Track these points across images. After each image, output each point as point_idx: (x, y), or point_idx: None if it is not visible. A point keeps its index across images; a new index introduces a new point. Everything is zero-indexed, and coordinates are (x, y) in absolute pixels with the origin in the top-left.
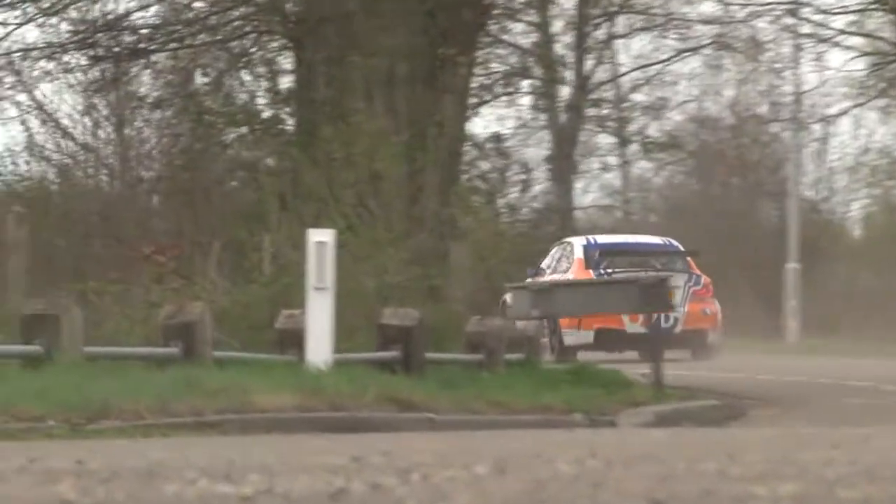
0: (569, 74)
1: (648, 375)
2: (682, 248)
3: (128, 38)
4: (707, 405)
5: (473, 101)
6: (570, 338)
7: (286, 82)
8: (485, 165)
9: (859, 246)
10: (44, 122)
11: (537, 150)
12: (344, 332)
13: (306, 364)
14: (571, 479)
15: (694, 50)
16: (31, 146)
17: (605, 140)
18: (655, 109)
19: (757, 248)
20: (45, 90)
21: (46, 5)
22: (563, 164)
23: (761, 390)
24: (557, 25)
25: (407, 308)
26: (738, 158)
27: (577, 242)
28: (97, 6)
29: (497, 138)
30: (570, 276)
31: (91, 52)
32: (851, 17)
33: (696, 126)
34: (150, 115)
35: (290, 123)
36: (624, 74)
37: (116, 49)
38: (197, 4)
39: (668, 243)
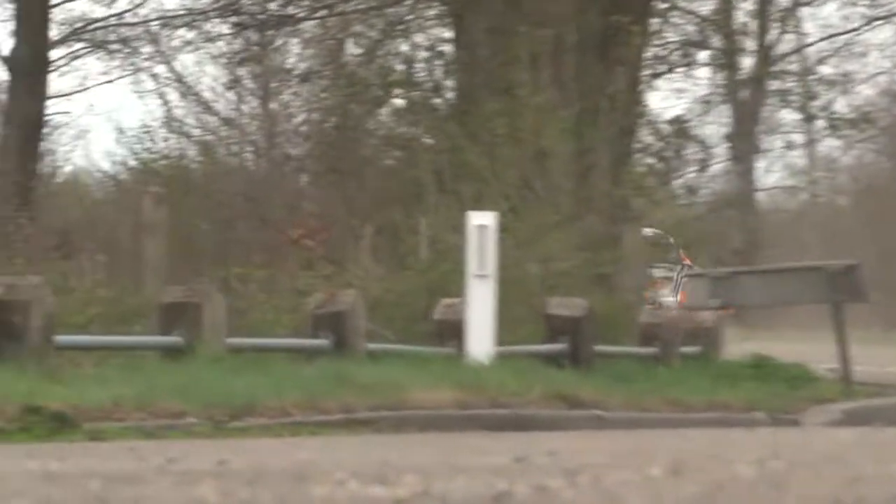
0: (750, 45)
1: (836, 370)
2: (672, 240)
3: (274, 5)
4: None
5: (647, 73)
6: None
7: (445, 53)
8: (659, 143)
9: None
10: (184, 96)
11: (716, 126)
12: (506, 322)
13: (466, 357)
14: (751, 482)
15: (886, 18)
16: (170, 121)
17: (790, 116)
18: (844, 83)
19: None
20: (185, 61)
21: None
22: (744, 141)
23: None
24: None
25: (575, 297)
26: None
27: None
28: None
29: (678, 120)
30: None
31: (235, 20)
32: None
33: (888, 100)
34: (298, 87)
35: (449, 97)
36: (810, 45)
37: (262, 16)
38: None
39: (658, 234)
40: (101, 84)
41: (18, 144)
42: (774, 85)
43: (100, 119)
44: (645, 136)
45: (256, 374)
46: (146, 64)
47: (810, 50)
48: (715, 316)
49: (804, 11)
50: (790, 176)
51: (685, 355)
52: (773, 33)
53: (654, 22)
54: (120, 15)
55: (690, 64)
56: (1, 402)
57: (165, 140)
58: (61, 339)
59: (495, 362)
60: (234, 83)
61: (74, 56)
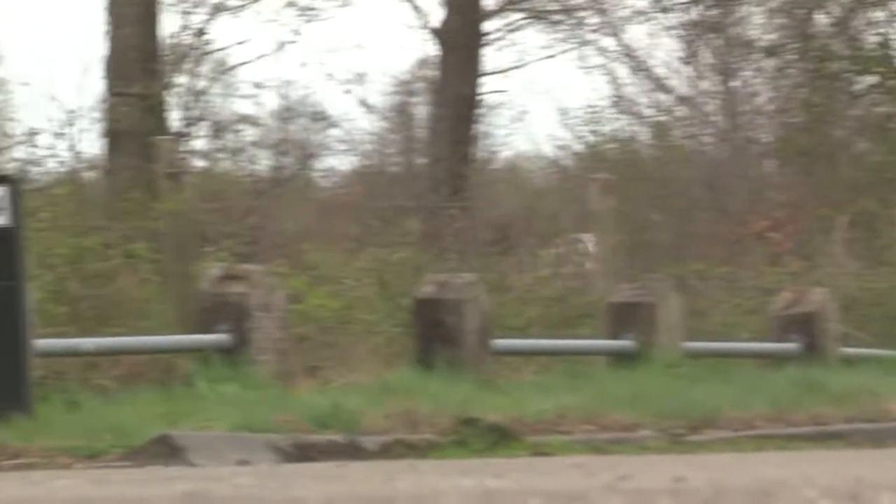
0: None
1: None
2: None
3: None
4: None
5: None
6: None
7: None
8: None
9: None
10: (634, 72)
11: None
12: None
13: None
14: None
15: None
16: (620, 100)
17: None
18: None
19: None
20: (635, 33)
21: None
22: None
23: None
24: None
25: None
26: None
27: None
28: None
29: None
30: None
31: None
32: None
33: None
34: (761, 62)
35: None
36: None
37: None
38: None
39: None
40: (541, 59)
41: (450, 127)
42: None
43: (540, 98)
44: None
45: (716, 382)
46: (592, 36)
47: None
48: None
49: None
50: None
51: None
52: None
53: None
54: None
55: None
56: (433, 413)
57: (614, 121)
58: (499, 343)
59: None
60: (690, 58)
61: (512, 28)
